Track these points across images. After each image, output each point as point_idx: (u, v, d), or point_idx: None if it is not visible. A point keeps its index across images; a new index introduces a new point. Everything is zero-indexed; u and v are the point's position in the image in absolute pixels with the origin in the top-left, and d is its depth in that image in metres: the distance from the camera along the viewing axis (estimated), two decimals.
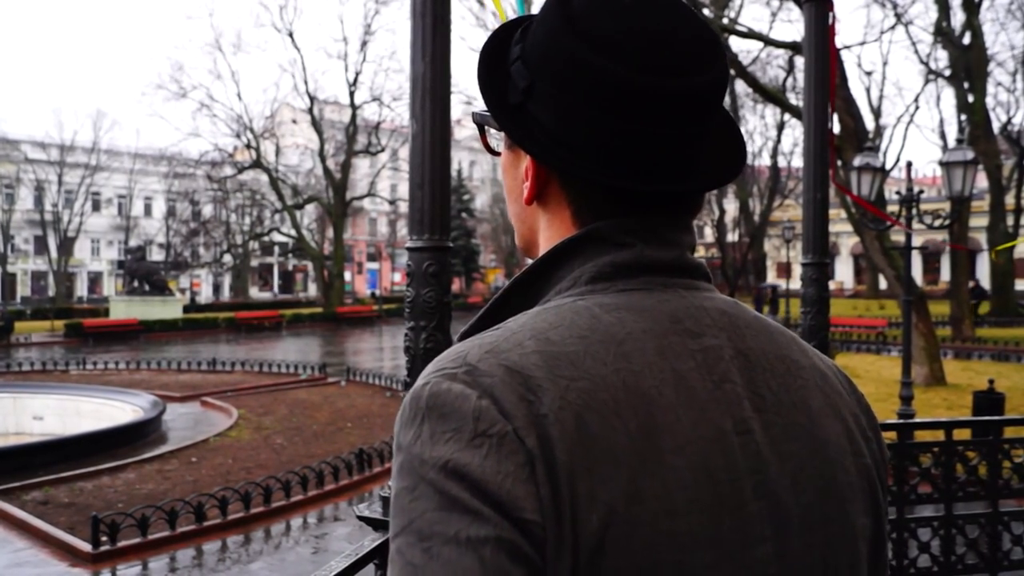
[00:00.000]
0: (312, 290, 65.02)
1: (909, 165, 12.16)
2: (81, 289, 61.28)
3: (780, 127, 49.91)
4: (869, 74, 66.27)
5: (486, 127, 0.88)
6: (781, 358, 0.75)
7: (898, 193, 12.17)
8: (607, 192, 0.75)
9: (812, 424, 0.73)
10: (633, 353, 0.67)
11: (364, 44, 46.29)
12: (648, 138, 0.71)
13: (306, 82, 47.36)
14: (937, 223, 12.39)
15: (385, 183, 61.15)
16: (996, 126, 34.04)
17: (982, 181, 32.15)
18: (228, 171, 47.64)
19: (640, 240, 0.74)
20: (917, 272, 40.61)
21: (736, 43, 53.26)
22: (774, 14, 37.46)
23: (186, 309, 42.81)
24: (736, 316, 0.76)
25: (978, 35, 27.01)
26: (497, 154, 0.87)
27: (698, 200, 0.80)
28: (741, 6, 34.18)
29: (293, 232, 47.20)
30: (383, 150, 48.12)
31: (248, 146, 45.81)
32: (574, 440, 0.62)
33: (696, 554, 0.63)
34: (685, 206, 0.78)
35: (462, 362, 0.66)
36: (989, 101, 31.37)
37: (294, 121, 51.64)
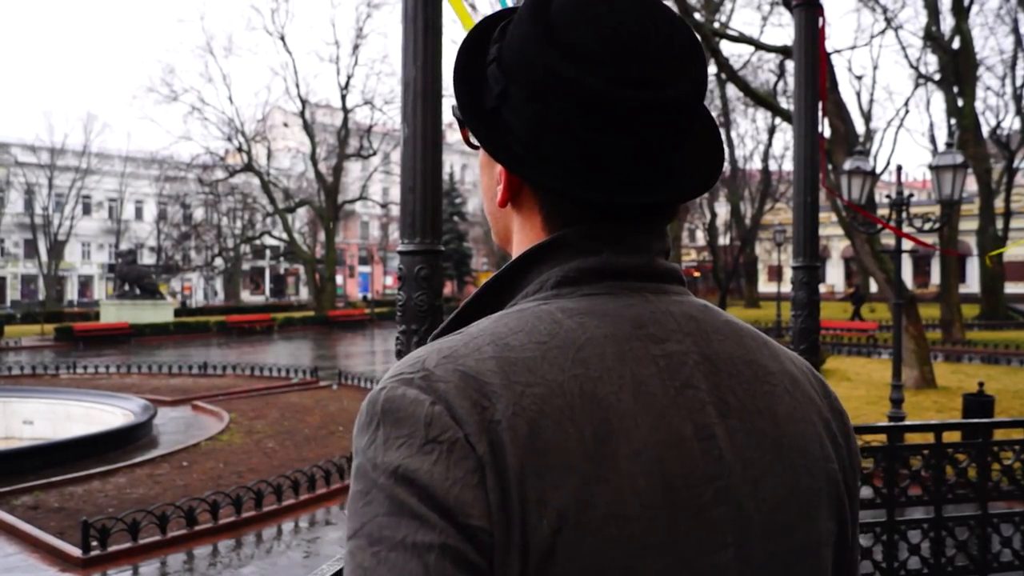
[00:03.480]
0: (304, 294, 64.89)
1: (899, 169, 12.21)
2: (71, 293, 61.00)
3: (771, 131, 50.04)
4: (859, 78, 66.32)
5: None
6: (749, 363, 0.75)
7: (888, 197, 12.23)
8: (577, 199, 0.74)
9: (778, 430, 0.73)
10: (592, 359, 0.67)
11: (356, 48, 46.29)
12: (619, 149, 0.71)
13: (298, 85, 47.40)
14: (927, 227, 12.44)
15: (377, 186, 61.10)
16: (985, 130, 34.23)
17: (972, 185, 32.36)
18: (219, 174, 47.56)
19: (608, 246, 0.74)
20: (907, 275, 40.78)
21: (727, 47, 53.45)
22: (765, 18, 37.51)
23: (177, 313, 42.63)
24: (704, 321, 0.75)
25: (967, 40, 27.13)
26: (477, 148, 0.86)
27: (673, 207, 0.79)
28: (732, 10, 34.38)
29: (284, 236, 47.09)
30: (375, 153, 48.11)
31: (239, 149, 45.72)
32: (526, 446, 0.62)
33: (648, 560, 0.63)
34: (657, 213, 0.77)
35: (420, 367, 0.67)
36: (978, 105, 31.56)
37: (285, 124, 51.57)
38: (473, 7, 29.78)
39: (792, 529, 0.71)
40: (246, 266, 64.95)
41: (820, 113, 3.39)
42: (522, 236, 0.80)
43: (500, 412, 0.63)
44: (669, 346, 0.71)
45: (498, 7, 3.14)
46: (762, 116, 50.06)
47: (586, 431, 0.64)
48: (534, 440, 0.62)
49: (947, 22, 28.46)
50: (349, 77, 47.12)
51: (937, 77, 31.18)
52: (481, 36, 0.82)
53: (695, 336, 0.73)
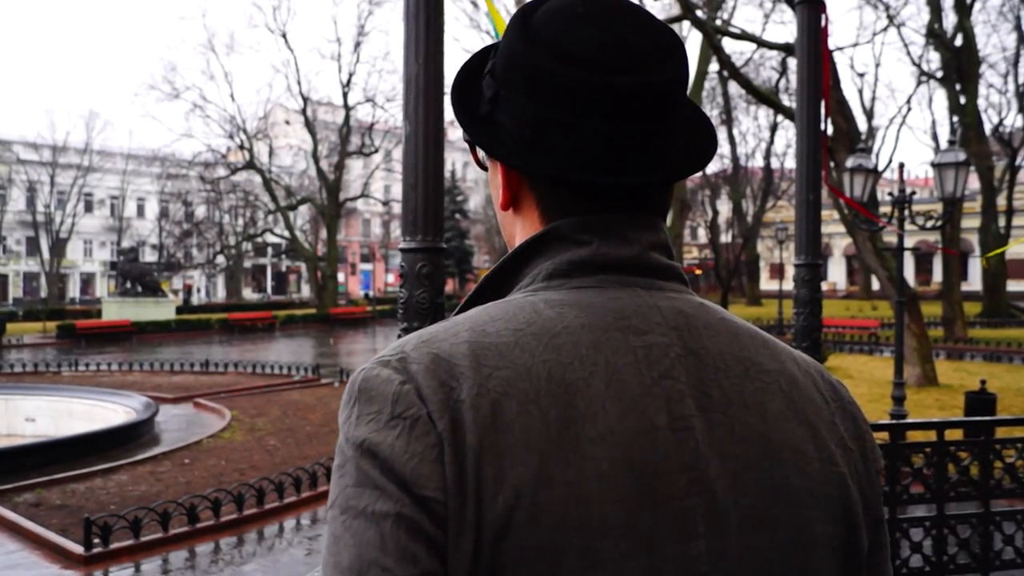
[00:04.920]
0: (305, 291, 64.90)
1: (901, 166, 12.21)
2: (73, 290, 61.05)
3: (773, 128, 49.96)
4: (862, 76, 66.57)
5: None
6: (741, 360, 0.75)
7: (890, 194, 12.22)
8: (569, 191, 0.77)
9: (766, 426, 0.73)
10: (565, 346, 0.69)
11: (358, 45, 46.23)
12: (604, 135, 0.73)
13: (299, 83, 47.26)
14: (929, 224, 12.42)
15: (379, 184, 61.09)
16: (988, 127, 34.19)
17: (974, 182, 32.32)
18: (221, 172, 47.51)
19: (598, 238, 0.76)
20: (909, 273, 40.75)
21: (729, 45, 53.42)
22: (767, 16, 37.54)
23: (179, 310, 42.67)
24: (695, 316, 0.76)
25: (969, 37, 27.10)
26: (487, 168, 0.89)
27: (662, 198, 0.81)
28: (734, 8, 34.23)
29: (286, 233, 47.09)
30: (377, 151, 48.08)
31: (241, 147, 45.69)
32: (487, 425, 0.65)
33: (609, 542, 0.64)
34: (647, 204, 0.79)
35: (399, 351, 0.71)
36: (981, 103, 31.46)
37: (287, 122, 51.52)
38: (475, 4, 29.76)
39: (776, 526, 0.71)
40: (248, 264, 64.96)
41: (822, 111, 3.38)
42: (523, 235, 0.82)
43: (465, 392, 0.66)
44: (650, 338, 0.72)
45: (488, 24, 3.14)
46: (764, 113, 50.05)
47: (550, 413, 0.66)
48: (495, 419, 0.65)
49: (949, 19, 28.48)
50: (351, 74, 47.20)
51: (939, 74, 31.15)
52: (480, 58, 0.87)
53: (681, 331, 0.74)
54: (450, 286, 60.47)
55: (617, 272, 0.76)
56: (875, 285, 50.36)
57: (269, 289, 69.00)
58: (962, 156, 11.82)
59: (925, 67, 35.64)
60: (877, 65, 78.05)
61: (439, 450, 0.64)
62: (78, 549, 7.78)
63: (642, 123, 0.74)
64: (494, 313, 0.73)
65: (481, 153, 0.90)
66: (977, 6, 29.31)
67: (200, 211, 56.88)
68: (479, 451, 0.64)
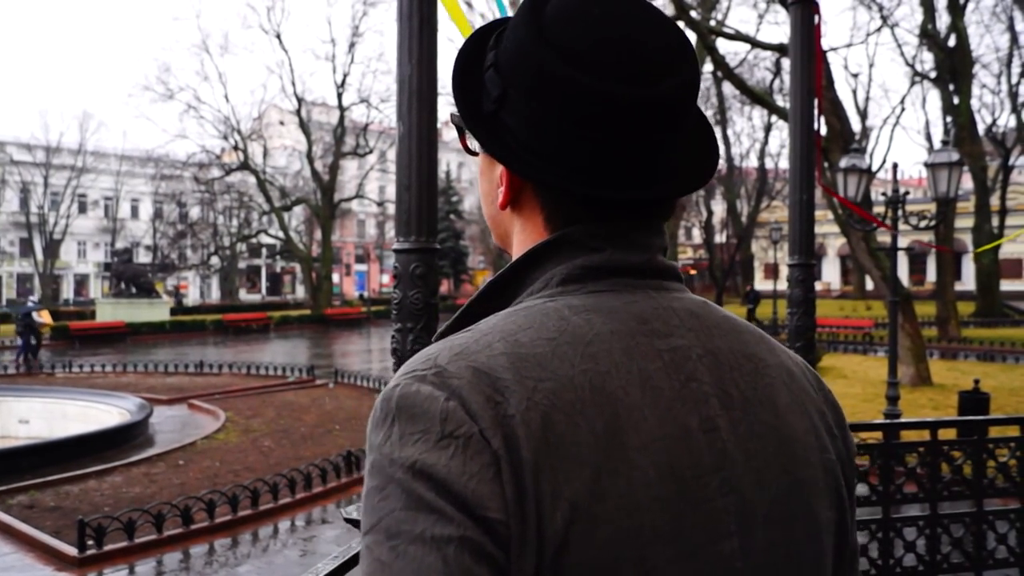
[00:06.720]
0: (300, 292, 64.81)
1: (895, 167, 12.22)
2: (67, 292, 60.86)
3: (767, 129, 50.12)
4: (855, 76, 66.72)
5: (465, 129, 0.87)
6: (749, 356, 0.76)
7: (884, 194, 12.25)
8: (578, 198, 0.76)
9: (778, 421, 0.74)
10: (600, 354, 0.69)
11: (352, 46, 46.17)
12: (615, 146, 0.72)
13: (294, 84, 47.40)
14: (923, 224, 12.45)
15: (373, 185, 61.02)
16: (981, 128, 34.27)
17: (967, 182, 32.37)
18: (215, 173, 47.42)
19: (610, 244, 0.75)
20: (903, 273, 40.81)
21: (723, 45, 53.45)
22: (761, 16, 37.66)
23: (173, 311, 42.49)
24: (705, 316, 0.77)
25: (963, 37, 27.17)
26: (476, 154, 0.87)
27: (670, 204, 0.81)
28: (728, 8, 34.33)
29: (281, 234, 47.01)
30: (371, 152, 48.01)
31: (235, 148, 45.60)
32: (539, 440, 0.63)
33: (658, 549, 0.64)
34: (656, 210, 0.79)
35: (432, 364, 0.68)
36: (974, 103, 31.58)
37: (281, 123, 51.46)
38: (469, 5, 29.76)
39: (794, 519, 0.73)
40: (242, 265, 64.84)
41: (816, 111, 3.39)
42: (524, 237, 0.81)
43: (513, 407, 0.64)
44: (673, 341, 0.73)
45: (495, 10, 3.12)
46: (758, 114, 50.18)
47: (597, 424, 0.65)
48: (547, 433, 0.64)
49: (943, 20, 28.53)
50: (345, 75, 47.00)
51: (933, 75, 31.22)
52: (478, 44, 0.83)
53: (697, 331, 0.75)
54: (445, 287, 60.47)
55: (628, 276, 0.76)
56: (869, 285, 50.50)
57: (264, 290, 68.87)
58: (955, 156, 11.86)
59: (919, 67, 35.78)
60: (871, 65, 78.09)
61: (496, 468, 0.62)
62: (72, 551, 7.76)
63: (653, 135, 0.73)
64: (520, 321, 0.71)
65: (472, 141, 0.87)
66: (970, 7, 29.48)
67: (194, 212, 56.74)
68: (535, 467, 0.63)
